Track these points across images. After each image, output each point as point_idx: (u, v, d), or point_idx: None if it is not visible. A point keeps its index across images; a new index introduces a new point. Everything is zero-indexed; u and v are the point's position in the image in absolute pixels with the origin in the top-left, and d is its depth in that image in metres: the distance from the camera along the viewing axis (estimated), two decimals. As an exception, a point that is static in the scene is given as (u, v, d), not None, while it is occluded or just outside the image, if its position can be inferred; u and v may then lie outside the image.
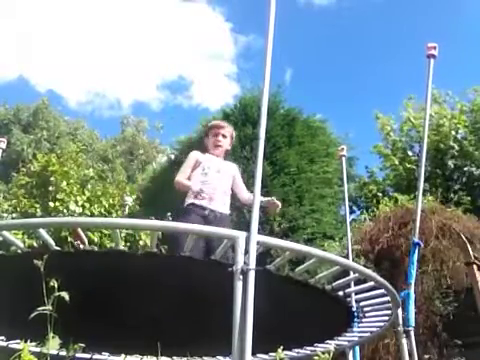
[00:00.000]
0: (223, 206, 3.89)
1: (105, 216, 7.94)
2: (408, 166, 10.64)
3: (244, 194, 4.09)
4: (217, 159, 4.06)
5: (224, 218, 3.85)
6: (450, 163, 10.35)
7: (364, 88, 29.90)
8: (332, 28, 30.35)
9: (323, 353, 2.56)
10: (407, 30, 26.06)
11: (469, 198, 9.42)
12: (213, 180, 3.87)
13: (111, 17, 33.24)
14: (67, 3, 31.91)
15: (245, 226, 2.42)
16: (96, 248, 3.79)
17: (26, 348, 1.80)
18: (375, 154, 12.11)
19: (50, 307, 1.83)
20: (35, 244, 6.51)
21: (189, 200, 3.84)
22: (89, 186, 8.69)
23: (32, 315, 1.82)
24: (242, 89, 11.66)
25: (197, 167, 3.93)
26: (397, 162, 11.12)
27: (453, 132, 10.62)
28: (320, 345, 3.82)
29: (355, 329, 3.81)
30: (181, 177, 3.92)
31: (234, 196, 4.12)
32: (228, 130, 4.16)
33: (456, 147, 10.42)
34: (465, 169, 10.20)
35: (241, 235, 2.33)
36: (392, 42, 28.89)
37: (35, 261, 1.91)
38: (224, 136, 4.10)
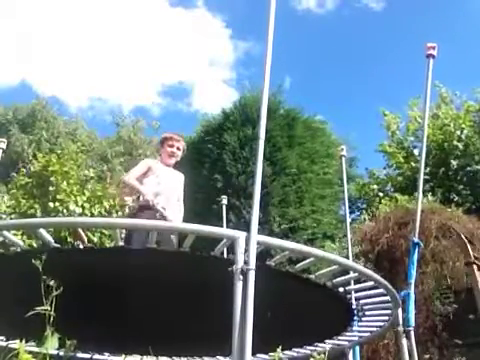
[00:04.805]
0: (176, 214, 4.00)
1: (105, 216, 7.92)
2: (413, 165, 10.60)
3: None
4: (168, 169, 4.22)
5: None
6: (454, 163, 10.33)
7: (366, 89, 29.94)
8: (331, 33, 30.42)
9: (319, 354, 2.57)
10: (410, 30, 26.09)
11: (471, 197, 9.42)
12: (166, 190, 4.00)
13: (112, 23, 33.31)
14: (69, 10, 32.03)
15: (245, 226, 2.42)
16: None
17: (22, 348, 1.80)
18: (379, 153, 12.05)
19: (48, 307, 1.83)
20: (35, 244, 6.49)
21: (144, 203, 3.87)
22: (89, 186, 8.68)
23: (29, 314, 1.82)
24: (241, 93, 11.62)
25: (149, 174, 4.05)
26: (402, 160, 11.09)
27: (458, 132, 10.60)
28: (320, 345, 3.83)
29: (355, 329, 3.81)
30: (131, 178, 4.03)
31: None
32: (182, 143, 4.37)
33: (460, 147, 10.40)
34: (469, 168, 10.17)
35: (241, 235, 2.33)
36: (394, 42, 28.94)
37: (34, 261, 1.91)
38: (178, 149, 4.29)
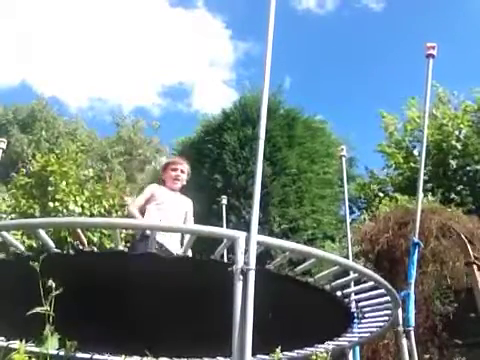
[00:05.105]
0: (176, 244, 3.81)
1: (105, 216, 7.92)
2: (413, 165, 10.59)
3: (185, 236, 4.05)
4: (173, 194, 4.14)
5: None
6: (452, 163, 10.33)
7: (365, 89, 29.98)
8: (331, 33, 30.49)
9: (322, 353, 2.57)
10: (410, 30, 26.13)
11: (471, 198, 9.41)
12: (167, 216, 3.89)
13: (112, 24, 33.35)
14: (69, 10, 32.06)
15: (245, 226, 2.42)
16: (96, 249, 3.79)
17: (22, 348, 1.79)
18: (378, 153, 12.03)
19: (48, 307, 1.83)
20: (34, 245, 6.49)
21: (143, 232, 3.74)
22: (88, 186, 8.68)
23: (29, 313, 1.81)
24: (241, 94, 11.61)
25: (152, 201, 3.99)
26: (401, 160, 11.09)
27: (456, 132, 10.59)
28: (320, 345, 3.82)
29: (355, 329, 3.81)
30: (134, 208, 4.00)
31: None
32: (186, 166, 4.30)
33: (459, 147, 10.39)
34: (469, 168, 10.17)
35: (241, 235, 2.33)
36: (394, 43, 29.00)
37: (33, 263, 1.91)
38: (182, 171, 4.23)
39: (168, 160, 4.48)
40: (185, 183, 4.29)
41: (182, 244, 3.74)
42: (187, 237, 3.82)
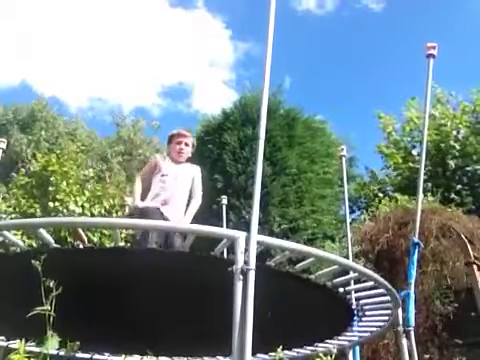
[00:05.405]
0: (179, 212, 3.89)
1: (105, 216, 7.92)
2: (411, 165, 10.59)
3: (191, 201, 4.09)
4: (178, 165, 4.16)
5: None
6: (451, 163, 10.33)
7: (365, 89, 29.95)
8: (331, 34, 30.39)
9: (325, 355, 2.57)
10: (410, 30, 26.11)
11: (471, 198, 9.42)
12: (169, 189, 3.94)
13: (112, 24, 33.30)
14: (69, 10, 32.06)
15: (245, 226, 2.42)
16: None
17: (22, 348, 1.79)
18: (377, 154, 12.06)
19: (49, 307, 1.83)
20: (34, 244, 6.49)
21: (145, 203, 3.87)
22: (89, 186, 8.68)
23: (30, 314, 1.81)
24: (241, 94, 11.60)
25: (157, 171, 4.05)
26: (400, 160, 11.10)
27: (454, 132, 10.60)
28: (320, 345, 3.83)
29: (355, 329, 3.81)
30: (137, 182, 4.13)
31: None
32: (190, 139, 4.31)
33: (457, 147, 10.39)
34: (468, 169, 10.17)
35: (241, 235, 2.33)
36: (394, 43, 28.99)
37: (33, 261, 1.91)
38: (186, 145, 4.23)
39: (173, 132, 4.34)
40: (190, 155, 4.29)
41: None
42: (192, 207, 3.95)
